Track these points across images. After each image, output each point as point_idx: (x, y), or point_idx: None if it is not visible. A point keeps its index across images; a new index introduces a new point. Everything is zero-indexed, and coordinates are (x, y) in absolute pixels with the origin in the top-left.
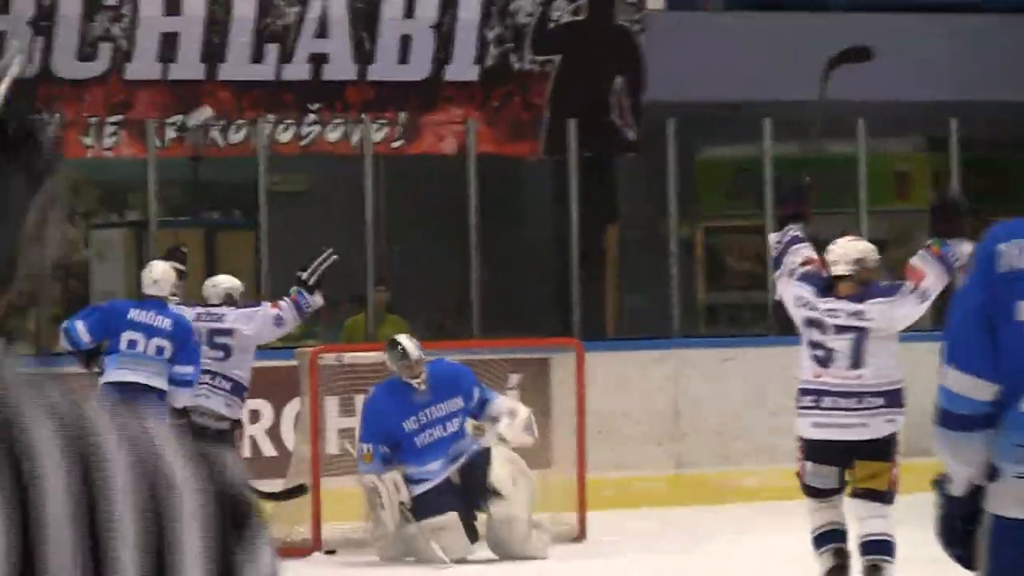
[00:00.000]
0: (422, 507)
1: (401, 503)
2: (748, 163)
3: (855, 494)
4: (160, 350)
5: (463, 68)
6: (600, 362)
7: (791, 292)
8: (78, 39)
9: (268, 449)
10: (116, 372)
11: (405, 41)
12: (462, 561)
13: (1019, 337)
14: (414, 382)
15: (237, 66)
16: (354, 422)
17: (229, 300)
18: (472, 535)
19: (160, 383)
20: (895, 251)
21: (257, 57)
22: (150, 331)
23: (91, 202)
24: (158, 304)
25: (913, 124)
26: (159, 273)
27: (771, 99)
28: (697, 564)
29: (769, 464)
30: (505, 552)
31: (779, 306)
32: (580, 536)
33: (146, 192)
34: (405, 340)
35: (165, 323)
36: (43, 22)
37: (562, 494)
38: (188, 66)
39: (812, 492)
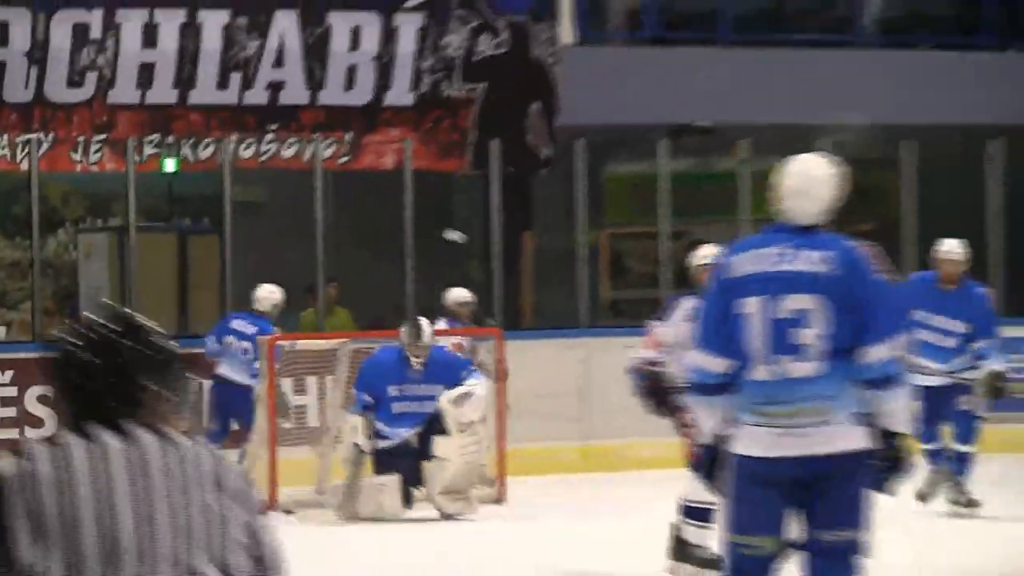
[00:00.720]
0: (377, 462)
1: (355, 443)
2: (646, 179)
3: None
4: (245, 351)
5: (400, 95)
6: (517, 349)
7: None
8: (67, 68)
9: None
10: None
11: (350, 71)
12: (394, 520)
13: (744, 326)
14: (414, 360)
15: (205, 92)
16: (306, 399)
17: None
18: (408, 501)
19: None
20: None
21: (223, 84)
22: (240, 336)
23: (79, 210)
24: (252, 316)
25: (787, 144)
26: (262, 293)
27: (666, 122)
28: (601, 523)
29: (662, 438)
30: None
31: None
32: (500, 499)
33: (126, 201)
34: (425, 325)
35: (251, 330)
36: (37, 53)
37: (486, 463)
38: (162, 92)
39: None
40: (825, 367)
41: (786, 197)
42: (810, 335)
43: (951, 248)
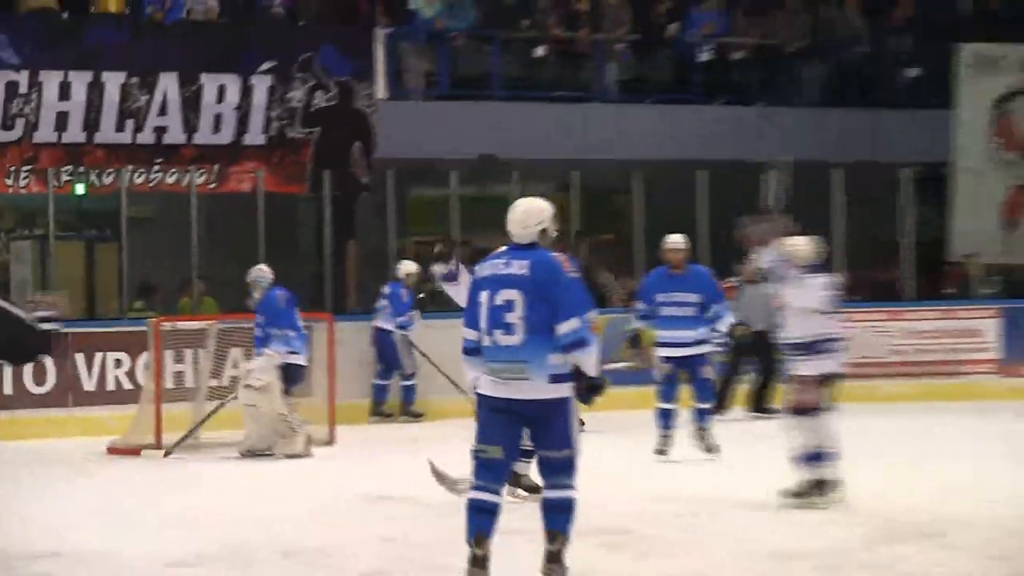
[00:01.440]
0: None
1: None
2: (440, 199)
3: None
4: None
5: (255, 136)
6: (343, 328)
7: None
8: (1, 115)
9: (126, 384)
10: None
11: (217, 118)
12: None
13: (479, 311)
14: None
15: (107, 134)
16: (183, 367)
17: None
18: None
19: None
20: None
21: (120, 128)
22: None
23: (10, 222)
24: (395, 284)
25: (548, 174)
26: (402, 267)
27: (457, 157)
28: (404, 458)
29: (459, 395)
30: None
31: None
32: (331, 441)
33: (47, 216)
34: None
35: (388, 291)
36: None
37: (321, 413)
38: (74, 134)
39: None
40: (524, 340)
41: (511, 225)
42: (514, 317)
43: (675, 240)
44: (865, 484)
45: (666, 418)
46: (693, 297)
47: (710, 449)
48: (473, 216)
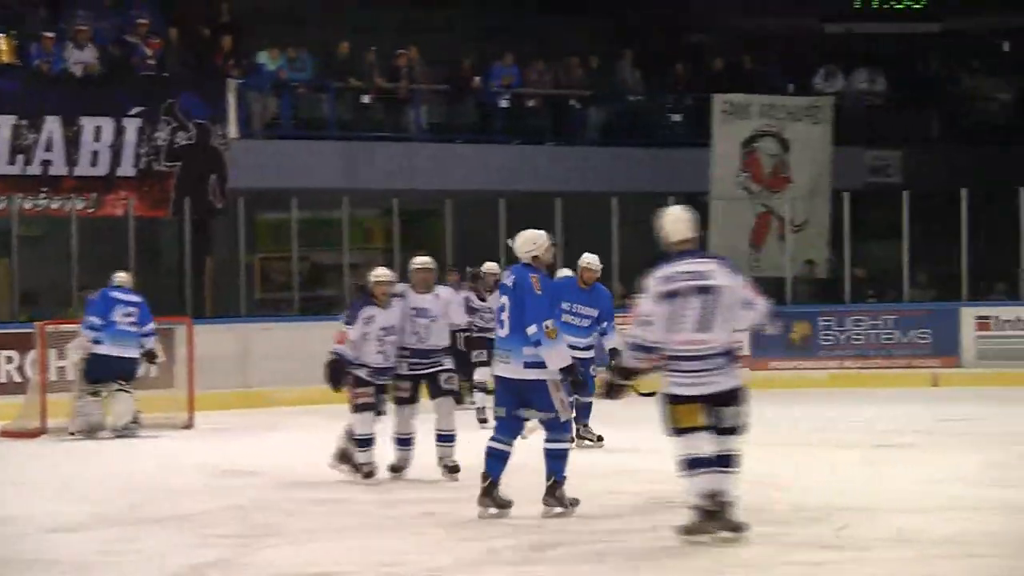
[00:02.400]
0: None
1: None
2: (283, 222)
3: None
4: None
5: (127, 169)
6: (202, 331)
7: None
8: None
9: (16, 377)
10: None
11: (95, 154)
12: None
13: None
14: None
15: (1, 166)
16: (64, 363)
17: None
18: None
19: None
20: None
21: (12, 162)
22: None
23: None
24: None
25: (372, 201)
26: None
27: (297, 186)
28: (254, 438)
29: (295, 386)
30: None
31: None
32: (190, 425)
33: None
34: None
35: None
36: None
37: (181, 401)
38: None
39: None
40: (508, 334)
41: (514, 249)
42: (504, 316)
43: (591, 261)
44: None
45: None
46: (593, 312)
47: (588, 439)
48: (310, 236)
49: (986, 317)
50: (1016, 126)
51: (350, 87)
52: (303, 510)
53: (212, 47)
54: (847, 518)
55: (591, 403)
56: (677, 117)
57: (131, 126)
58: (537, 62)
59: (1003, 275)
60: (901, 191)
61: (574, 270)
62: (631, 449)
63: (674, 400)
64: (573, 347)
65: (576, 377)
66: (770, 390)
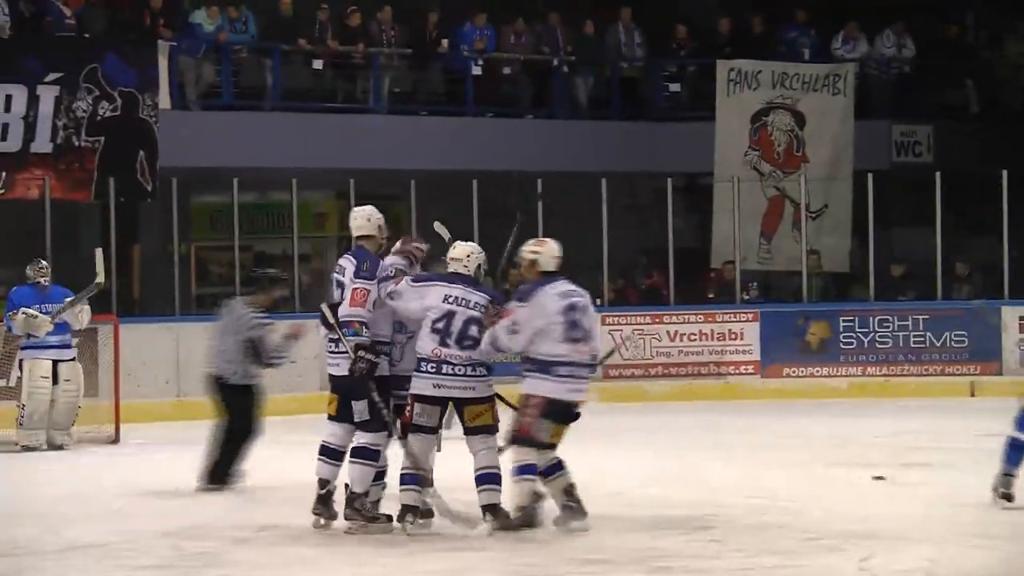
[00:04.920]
0: None
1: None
2: (223, 206)
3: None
4: None
5: (43, 144)
6: (128, 330)
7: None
8: None
9: None
10: None
11: (4, 127)
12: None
13: None
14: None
15: None
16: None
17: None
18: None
19: None
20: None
21: None
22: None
23: None
24: None
25: (323, 182)
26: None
27: (239, 165)
28: (189, 452)
29: None
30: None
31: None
32: (116, 439)
33: None
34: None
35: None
36: None
37: (106, 412)
38: None
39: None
40: None
41: None
42: None
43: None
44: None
45: None
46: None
47: None
48: (254, 222)
49: None
50: None
51: (298, 51)
52: (243, 538)
53: (140, 4)
54: (870, 548)
55: None
56: (676, 87)
57: (47, 95)
58: (515, 22)
59: None
60: (933, 172)
61: None
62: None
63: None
64: None
65: None
66: (782, 400)
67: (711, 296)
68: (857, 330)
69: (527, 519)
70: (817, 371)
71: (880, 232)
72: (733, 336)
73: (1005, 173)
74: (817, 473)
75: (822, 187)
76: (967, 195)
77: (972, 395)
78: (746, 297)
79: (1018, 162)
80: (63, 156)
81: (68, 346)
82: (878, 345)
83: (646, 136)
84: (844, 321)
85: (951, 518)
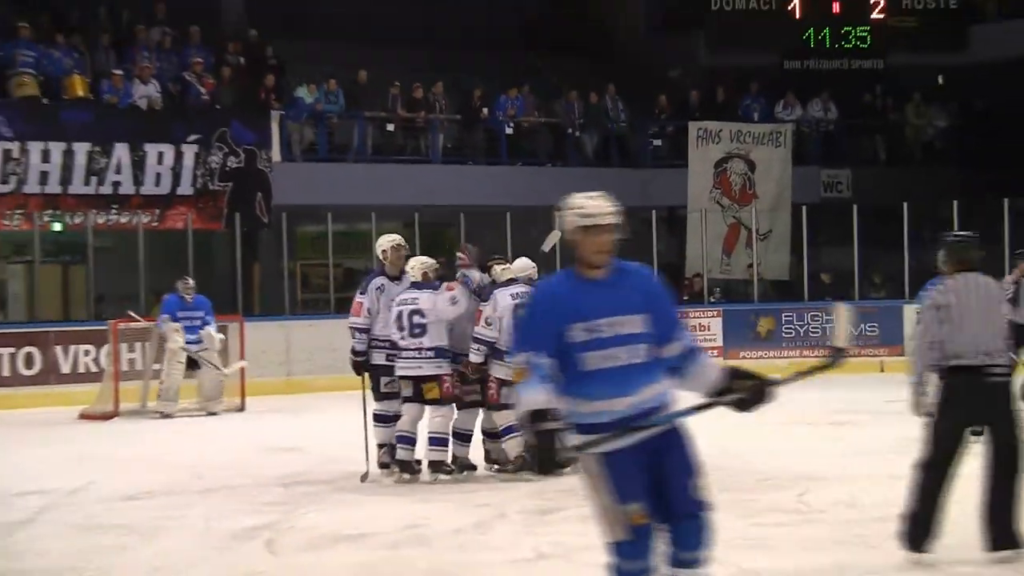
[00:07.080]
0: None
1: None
2: (321, 234)
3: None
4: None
5: (186, 188)
6: (252, 328)
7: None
8: (1, 173)
9: (93, 368)
10: None
11: (158, 175)
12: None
13: None
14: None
15: (77, 186)
16: (134, 355)
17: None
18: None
19: None
20: None
21: (87, 182)
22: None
23: (6, 251)
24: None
25: (395, 215)
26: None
27: (331, 203)
28: (299, 420)
29: (330, 375)
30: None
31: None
32: (242, 408)
33: (33, 246)
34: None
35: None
36: None
37: (235, 388)
38: (53, 186)
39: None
40: None
41: None
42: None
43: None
44: None
45: None
46: None
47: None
48: (343, 246)
49: None
50: (949, 149)
51: (376, 117)
52: (338, 481)
53: (257, 83)
54: (806, 486)
55: None
56: (659, 142)
57: (189, 152)
58: (537, 95)
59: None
60: (851, 205)
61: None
62: None
63: None
64: None
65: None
66: None
67: (686, 298)
68: (795, 323)
69: (524, 465)
70: (765, 354)
71: (812, 250)
72: (702, 328)
73: (905, 205)
74: (764, 431)
75: (768, 216)
76: (878, 222)
77: (882, 371)
78: (712, 299)
79: (916, 196)
80: (201, 197)
81: (200, 341)
82: (811, 334)
83: (636, 179)
84: (785, 316)
85: (868, 462)
